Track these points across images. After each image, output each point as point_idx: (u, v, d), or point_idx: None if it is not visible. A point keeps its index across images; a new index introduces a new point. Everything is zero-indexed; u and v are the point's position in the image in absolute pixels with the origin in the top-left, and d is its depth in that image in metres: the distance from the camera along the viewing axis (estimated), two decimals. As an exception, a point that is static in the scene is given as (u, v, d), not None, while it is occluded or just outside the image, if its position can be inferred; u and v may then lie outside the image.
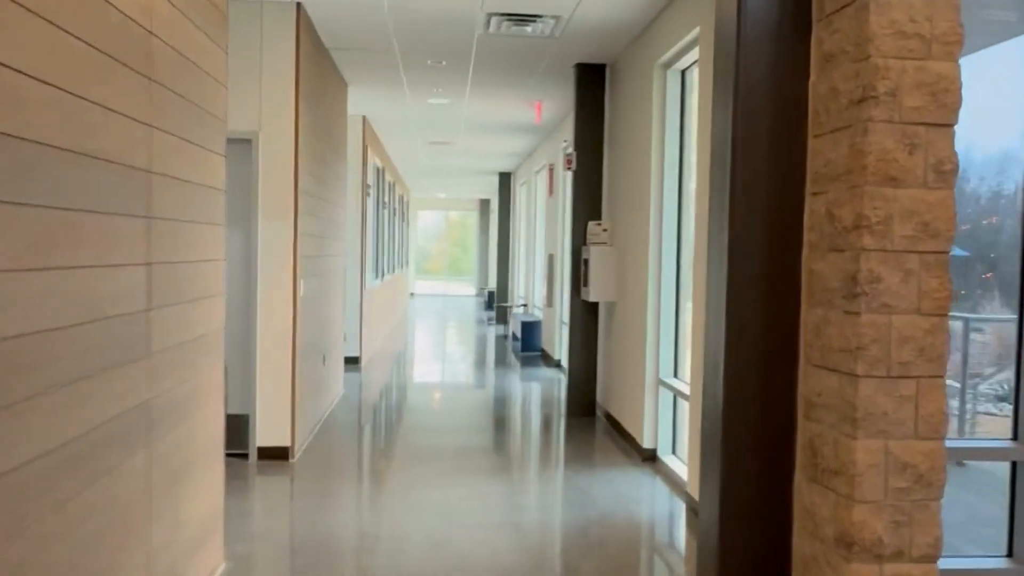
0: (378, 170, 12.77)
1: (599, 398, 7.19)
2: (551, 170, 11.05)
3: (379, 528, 4.42)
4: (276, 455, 5.41)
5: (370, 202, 10.89)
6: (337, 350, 7.78)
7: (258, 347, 5.35)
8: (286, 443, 5.41)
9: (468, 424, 7.41)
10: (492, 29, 5.74)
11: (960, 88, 2.59)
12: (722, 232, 2.99)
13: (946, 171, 2.59)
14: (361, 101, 9.19)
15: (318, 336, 6.48)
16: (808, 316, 2.88)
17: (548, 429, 7.17)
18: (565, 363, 8.25)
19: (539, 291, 13.33)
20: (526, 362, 11.19)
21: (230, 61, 5.11)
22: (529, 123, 10.41)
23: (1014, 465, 3.41)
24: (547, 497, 5.26)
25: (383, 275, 13.38)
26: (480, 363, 11.72)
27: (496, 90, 8.20)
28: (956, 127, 2.60)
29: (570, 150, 6.88)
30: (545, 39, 6.01)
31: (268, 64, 5.31)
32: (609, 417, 6.89)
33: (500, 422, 7.56)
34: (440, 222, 31.37)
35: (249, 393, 5.36)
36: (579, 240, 6.92)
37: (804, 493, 2.87)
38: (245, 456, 5.44)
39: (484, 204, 27.53)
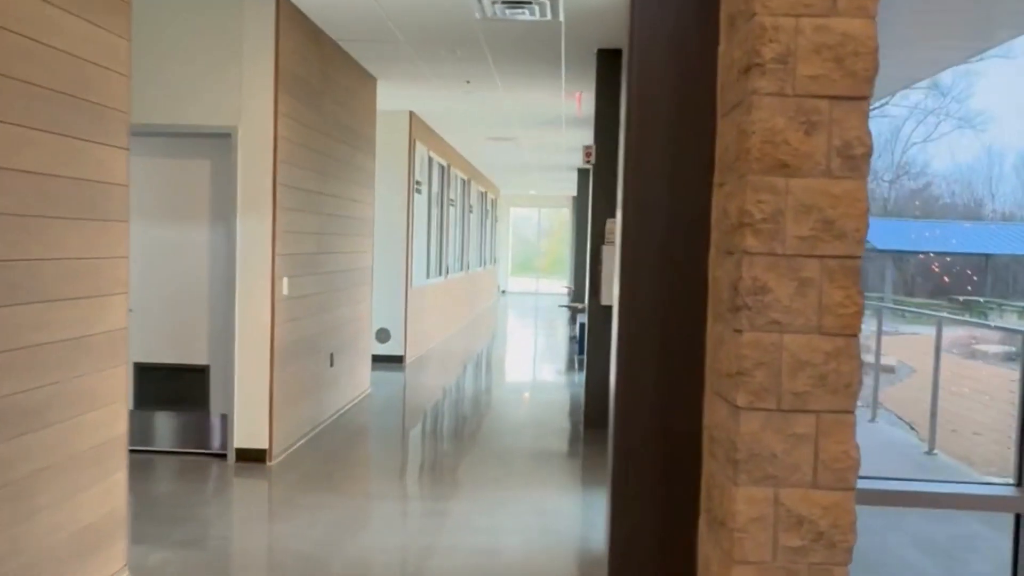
0: (442, 167, 12.63)
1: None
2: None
3: (317, 549, 4.16)
4: (254, 457, 5.28)
5: (420, 199, 10.74)
6: (358, 349, 7.64)
7: (236, 345, 5.23)
8: (263, 445, 5.27)
9: (475, 432, 7.10)
10: (488, 13, 5.41)
11: (876, 51, 2.07)
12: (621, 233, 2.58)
13: (856, 155, 2.09)
14: (403, 96, 9.03)
15: (320, 335, 6.33)
16: (711, 333, 2.42)
17: (563, 442, 6.77)
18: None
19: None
20: (580, 366, 10.78)
21: (207, 53, 5.05)
22: (584, 117, 9.99)
23: (1017, 519, 2.81)
24: (542, 523, 4.88)
25: (446, 272, 13.23)
26: (533, 367, 11.39)
27: (527, 80, 7.85)
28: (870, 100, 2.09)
29: (590, 142, 6.45)
30: (548, 23, 5.62)
31: (248, 55, 5.17)
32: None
33: (513, 431, 7.21)
34: (549, 219, 31.27)
35: (228, 392, 5.25)
36: (599, 240, 6.49)
37: (704, 543, 2.42)
38: (223, 456, 5.34)
39: (575, 201, 27.05)
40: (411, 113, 10.01)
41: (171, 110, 5.22)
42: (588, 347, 6.69)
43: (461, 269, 15.46)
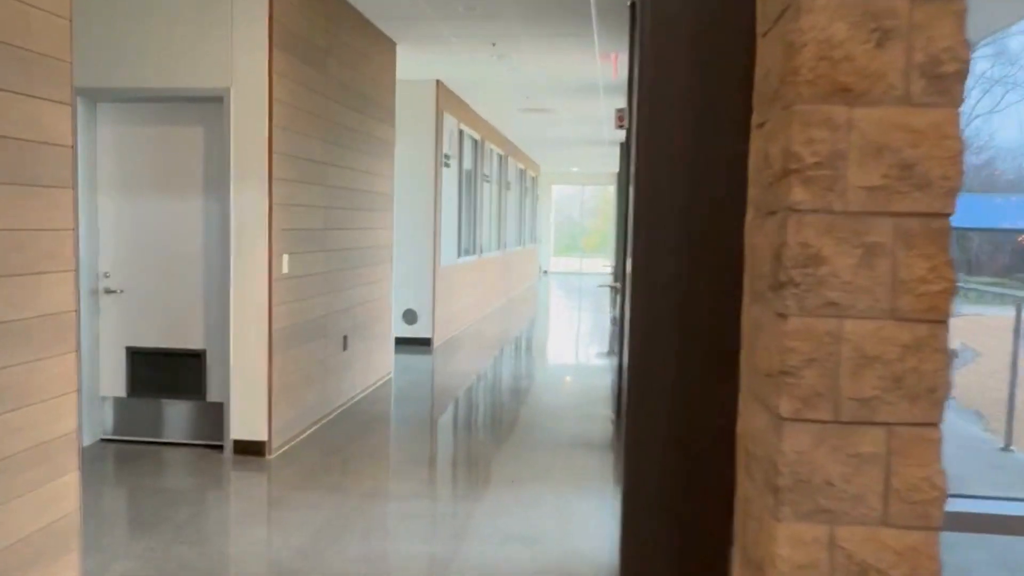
0: (475, 141, 12.15)
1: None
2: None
3: (297, 558, 3.71)
4: (252, 450, 4.89)
5: (449, 173, 10.27)
6: (377, 332, 7.21)
7: (231, 328, 4.82)
8: (262, 437, 4.87)
9: (505, 420, 6.63)
10: (506, -41, 4.86)
11: (977, -72, 1.51)
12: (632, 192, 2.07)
13: (947, 74, 1.53)
14: (428, 64, 8.53)
15: (328, 317, 5.90)
16: (747, 317, 1.90)
17: (601, 432, 6.26)
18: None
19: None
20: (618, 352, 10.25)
21: (197, 6, 4.61)
22: (620, 82, 9.37)
23: None
24: (559, 524, 4.40)
25: (479, 252, 12.77)
26: (574, 350, 10.88)
27: (557, 41, 7.28)
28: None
29: (622, 105, 5.88)
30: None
31: (240, 8, 4.72)
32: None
33: (547, 420, 6.72)
34: (594, 197, 30.64)
35: (224, 380, 4.85)
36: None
37: (737, 585, 1.90)
38: (220, 448, 4.96)
39: (618, 177, 26.31)
40: (438, 82, 9.52)
41: (160, 72, 4.81)
42: (626, 335, 6.15)
43: (497, 248, 14.98)
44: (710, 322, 2.01)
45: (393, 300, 7.88)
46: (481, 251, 12.91)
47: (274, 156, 4.86)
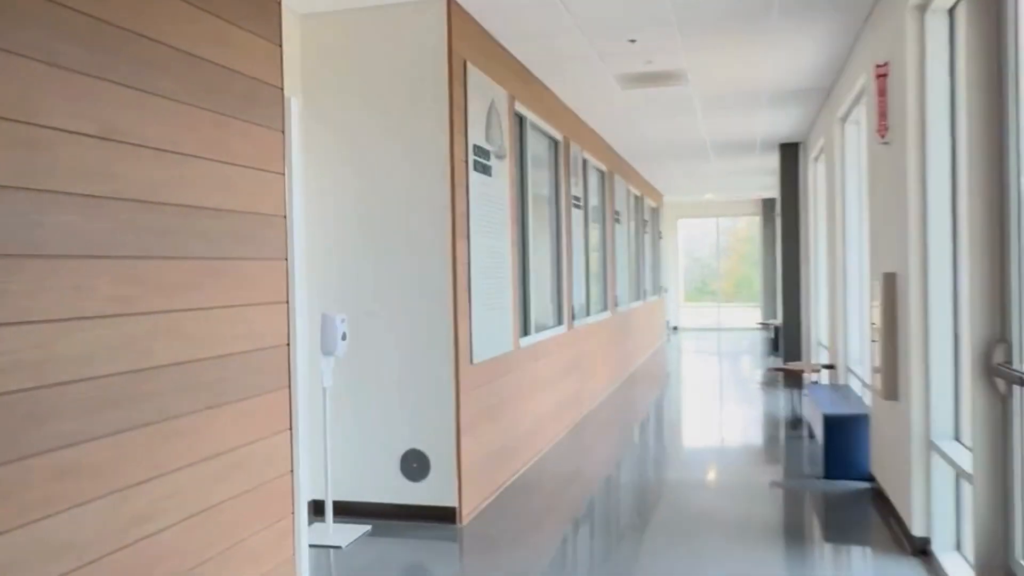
0: (552, 141, 7.57)
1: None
2: (880, 88, 4.95)
3: None
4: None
5: (488, 187, 5.66)
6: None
7: None
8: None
9: None
10: None
11: None
12: None
13: None
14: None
15: None
16: None
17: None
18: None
19: (858, 339, 7.17)
20: (837, 509, 5.19)
21: None
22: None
23: None
24: None
25: (564, 320, 8.06)
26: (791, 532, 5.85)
27: None
28: None
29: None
30: None
31: None
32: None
33: None
34: (724, 233, 25.45)
35: None
36: None
37: None
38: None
39: (768, 205, 21.06)
40: (449, 4, 4.98)
41: None
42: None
43: (601, 309, 10.19)
44: None
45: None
46: (570, 318, 8.15)
47: None
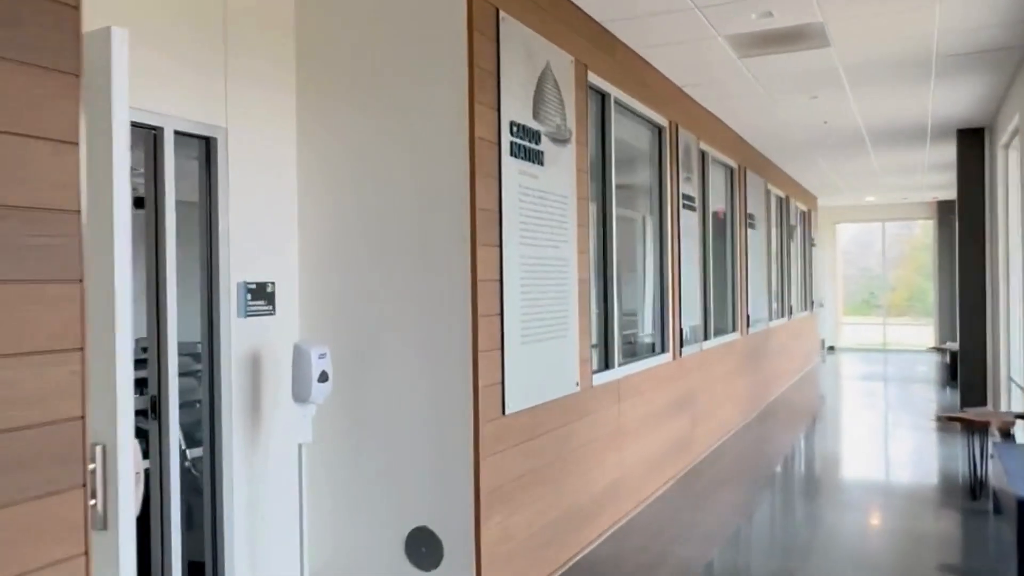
0: (656, 128, 6.16)
1: None
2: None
3: None
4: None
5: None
6: None
7: None
8: None
9: None
10: None
11: None
12: None
13: None
14: None
15: None
16: None
17: None
18: None
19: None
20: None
21: None
22: None
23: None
24: None
25: (672, 348, 6.59)
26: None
27: None
28: None
29: None
30: None
31: None
32: None
33: None
34: (895, 239, 22.72)
35: None
36: None
37: None
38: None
39: (944, 208, 18.36)
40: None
41: None
42: None
43: (731, 330, 8.57)
44: None
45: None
46: (676, 344, 6.64)
47: None
